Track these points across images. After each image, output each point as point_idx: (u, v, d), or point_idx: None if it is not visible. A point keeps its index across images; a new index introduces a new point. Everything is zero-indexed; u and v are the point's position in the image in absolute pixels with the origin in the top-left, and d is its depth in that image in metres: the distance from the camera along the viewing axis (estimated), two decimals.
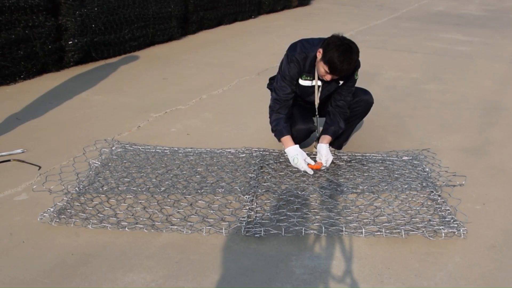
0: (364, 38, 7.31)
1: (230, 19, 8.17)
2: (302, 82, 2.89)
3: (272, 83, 3.09)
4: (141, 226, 2.38)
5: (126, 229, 2.37)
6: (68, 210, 2.49)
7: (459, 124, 3.93)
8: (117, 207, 2.55)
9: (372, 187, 2.77)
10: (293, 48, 2.88)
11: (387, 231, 2.36)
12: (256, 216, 2.49)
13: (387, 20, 9.11)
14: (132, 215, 2.48)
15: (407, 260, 2.21)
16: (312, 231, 2.34)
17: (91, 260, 2.16)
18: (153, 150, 3.20)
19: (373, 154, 3.20)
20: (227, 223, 2.43)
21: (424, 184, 2.81)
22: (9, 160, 3.07)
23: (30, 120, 3.76)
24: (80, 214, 2.46)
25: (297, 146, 2.87)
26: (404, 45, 6.91)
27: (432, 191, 2.73)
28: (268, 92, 3.25)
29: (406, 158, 3.16)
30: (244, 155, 3.16)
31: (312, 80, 2.89)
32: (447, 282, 2.08)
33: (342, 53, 2.59)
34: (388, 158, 3.17)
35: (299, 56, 2.82)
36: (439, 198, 2.66)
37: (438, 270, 2.15)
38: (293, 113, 3.00)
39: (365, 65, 5.63)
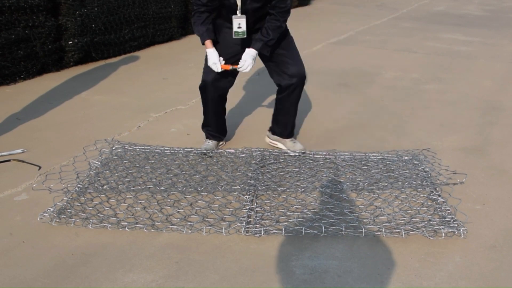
0: (364, 38, 7.31)
1: None
2: None
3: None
4: (141, 226, 2.38)
5: (126, 229, 2.37)
6: (68, 210, 2.49)
7: (459, 124, 3.93)
8: (117, 207, 2.55)
9: (372, 187, 2.77)
10: None
11: (387, 231, 2.36)
12: (256, 216, 2.49)
13: (387, 20, 9.10)
14: (132, 215, 2.48)
15: (407, 260, 2.21)
16: (312, 231, 2.34)
17: (91, 260, 2.17)
18: (153, 150, 3.20)
19: (373, 154, 3.20)
20: (227, 223, 2.43)
21: (424, 184, 2.81)
22: (9, 160, 3.08)
23: (30, 120, 3.76)
24: (80, 214, 2.46)
25: (213, 49, 2.88)
26: (404, 45, 6.91)
27: (432, 191, 2.73)
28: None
29: (406, 157, 3.16)
30: (244, 155, 3.16)
31: None
32: (447, 282, 2.08)
33: None
34: (388, 158, 3.17)
35: None
36: (439, 198, 2.66)
37: (438, 270, 2.15)
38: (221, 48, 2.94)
39: (365, 65, 5.67)
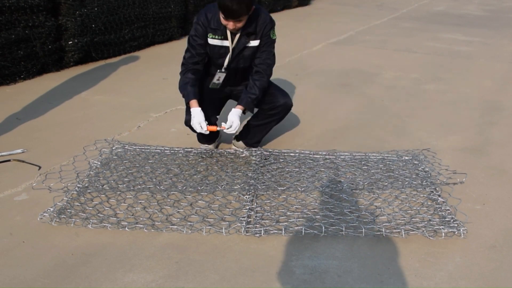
0: (364, 38, 7.31)
1: None
2: (210, 41, 2.86)
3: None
4: (141, 226, 2.38)
5: (126, 229, 2.37)
6: (68, 210, 2.49)
7: (459, 124, 3.93)
8: (117, 207, 2.55)
9: (372, 187, 2.77)
10: (199, 11, 2.90)
11: (387, 231, 2.36)
12: (256, 216, 2.49)
13: (387, 20, 9.11)
14: (132, 215, 2.48)
15: (407, 260, 2.21)
16: (312, 231, 2.34)
17: (91, 260, 2.17)
18: (153, 150, 3.20)
19: (373, 154, 3.20)
20: (227, 223, 2.43)
21: (424, 184, 2.81)
22: (9, 160, 3.08)
23: (30, 120, 3.76)
24: (80, 214, 2.46)
25: (199, 109, 2.83)
26: (404, 45, 6.91)
27: (432, 191, 2.73)
28: None
29: (406, 158, 3.16)
30: (244, 155, 3.16)
31: (222, 39, 2.86)
32: (447, 282, 2.08)
33: None
34: (388, 158, 3.17)
35: (202, 17, 2.83)
36: (439, 198, 2.66)
37: (438, 270, 2.15)
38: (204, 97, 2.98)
39: (365, 65, 5.68)
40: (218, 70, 2.97)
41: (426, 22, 9.02)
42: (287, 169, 2.97)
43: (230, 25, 2.73)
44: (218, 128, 2.89)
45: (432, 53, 6.42)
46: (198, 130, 2.82)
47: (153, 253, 2.22)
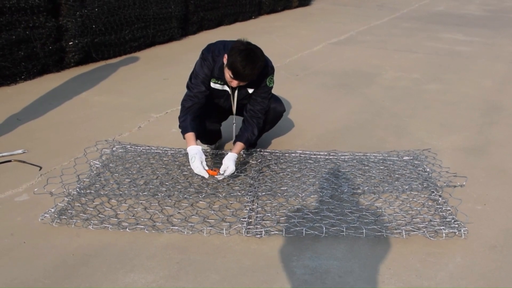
0: (364, 38, 7.31)
1: (231, 19, 8.17)
2: (213, 85, 2.89)
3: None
4: (142, 226, 2.38)
5: (127, 229, 2.37)
6: (69, 211, 2.49)
7: (459, 124, 3.93)
8: (117, 208, 2.55)
9: (373, 188, 2.77)
10: (208, 49, 2.90)
11: (388, 232, 2.36)
12: (256, 217, 2.49)
13: (387, 20, 9.11)
14: (132, 216, 2.48)
15: (408, 261, 2.21)
16: (312, 232, 2.34)
17: (92, 260, 2.17)
18: (154, 151, 3.20)
19: (373, 154, 3.20)
20: (228, 223, 2.43)
21: (425, 185, 2.81)
22: (10, 161, 3.08)
23: (31, 121, 3.76)
24: (81, 214, 2.46)
25: (199, 147, 2.71)
26: (404, 45, 6.91)
27: (433, 191, 2.73)
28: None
29: (407, 158, 3.16)
30: (244, 155, 3.16)
31: (223, 84, 2.88)
32: (448, 282, 2.08)
33: (245, 58, 2.57)
34: (388, 158, 3.17)
35: (210, 58, 2.84)
36: (440, 198, 2.66)
37: (439, 270, 2.15)
38: (207, 112, 2.99)
39: (365, 65, 5.68)
40: (233, 124, 3.07)
41: (426, 22, 9.02)
42: (288, 170, 2.97)
43: (234, 83, 2.72)
44: (217, 176, 2.70)
45: (432, 53, 6.42)
46: (197, 171, 2.63)
47: (154, 253, 2.22)
